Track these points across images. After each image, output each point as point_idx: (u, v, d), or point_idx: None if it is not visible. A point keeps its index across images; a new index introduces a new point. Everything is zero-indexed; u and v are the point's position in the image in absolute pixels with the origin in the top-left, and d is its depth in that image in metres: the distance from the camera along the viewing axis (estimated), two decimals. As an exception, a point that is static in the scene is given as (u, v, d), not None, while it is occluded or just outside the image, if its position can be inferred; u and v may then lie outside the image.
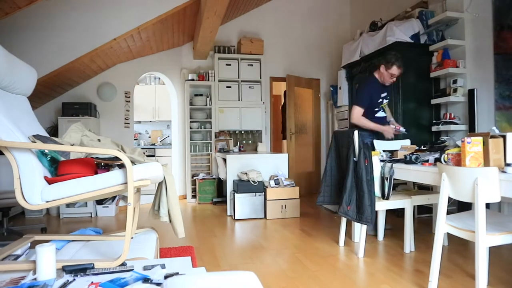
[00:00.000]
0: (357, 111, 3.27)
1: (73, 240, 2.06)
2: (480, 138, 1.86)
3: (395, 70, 3.20)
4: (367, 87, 3.36)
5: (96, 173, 1.79)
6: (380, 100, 3.34)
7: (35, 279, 1.41)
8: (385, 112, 3.39)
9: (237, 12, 5.71)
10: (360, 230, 2.79)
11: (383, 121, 3.37)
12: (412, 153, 2.61)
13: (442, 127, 3.92)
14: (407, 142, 3.57)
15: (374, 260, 2.66)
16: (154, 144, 7.42)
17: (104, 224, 4.06)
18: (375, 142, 3.57)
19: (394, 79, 3.29)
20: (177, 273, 1.41)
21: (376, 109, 3.32)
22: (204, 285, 1.23)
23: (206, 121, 5.66)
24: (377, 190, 2.69)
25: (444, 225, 1.98)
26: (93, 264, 1.52)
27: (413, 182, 3.22)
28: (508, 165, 1.83)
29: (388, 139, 3.34)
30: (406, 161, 2.63)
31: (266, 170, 4.49)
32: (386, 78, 3.26)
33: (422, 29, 4.20)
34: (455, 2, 3.89)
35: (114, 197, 4.62)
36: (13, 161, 1.61)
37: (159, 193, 2.00)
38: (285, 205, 4.19)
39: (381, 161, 2.79)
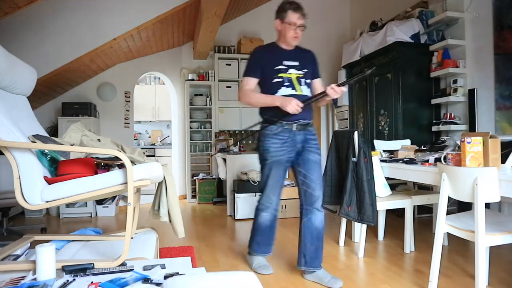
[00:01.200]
0: (243, 83, 2.37)
1: (73, 240, 2.06)
2: (480, 138, 1.86)
3: (291, 16, 2.23)
4: (252, 57, 2.42)
5: (96, 173, 1.79)
6: (284, 68, 2.30)
7: (35, 279, 1.41)
8: (295, 89, 2.29)
9: (237, 12, 5.71)
10: (360, 230, 2.79)
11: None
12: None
13: (442, 127, 3.92)
14: (407, 142, 3.57)
15: (374, 260, 2.66)
16: (154, 144, 7.43)
17: (104, 224, 4.06)
18: (375, 142, 3.57)
19: (298, 31, 2.27)
20: (177, 273, 1.41)
21: (276, 80, 2.29)
22: (204, 285, 1.23)
23: (206, 121, 5.66)
24: (378, 190, 2.69)
25: (444, 225, 1.98)
26: (93, 264, 1.52)
27: (413, 182, 3.22)
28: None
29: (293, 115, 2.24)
30: (406, 161, 2.63)
31: (266, 170, 4.48)
32: (287, 33, 2.27)
33: (422, 29, 4.19)
34: (455, 2, 3.88)
35: (114, 197, 4.62)
36: (13, 161, 1.61)
37: (159, 193, 2.00)
38: (285, 205, 4.19)
39: (381, 161, 2.79)
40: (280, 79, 2.29)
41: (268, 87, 2.32)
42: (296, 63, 2.35)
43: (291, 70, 2.32)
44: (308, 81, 2.38)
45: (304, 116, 2.30)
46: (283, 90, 2.28)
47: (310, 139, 2.38)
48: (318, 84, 2.49)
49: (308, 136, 2.37)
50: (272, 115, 2.30)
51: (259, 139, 2.41)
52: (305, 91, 2.34)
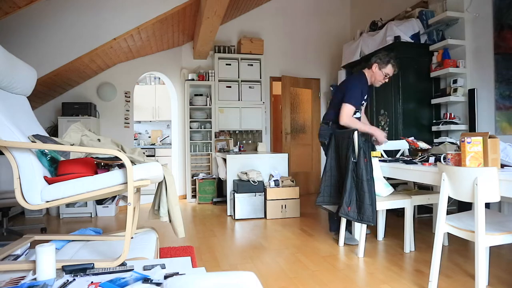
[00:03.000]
0: (349, 109, 2.97)
1: (73, 240, 2.06)
2: (480, 138, 1.86)
3: (389, 69, 2.99)
4: (359, 85, 3.05)
5: (96, 173, 1.79)
6: (363, 102, 3.15)
7: (35, 279, 1.41)
8: (360, 113, 3.19)
9: (237, 12, 5.71)
10: (360, 230, 2.79)
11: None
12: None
13: (442, 127, 3.92)
14: (405, 143, 3.56)
15: (374, 260, 2.66)
16: (154, 144, 7.42)
17: (104, 224, 4.06)
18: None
19: (387, 79, 3.05)
20: (177, 273, 1.41)
21: (356, 110, 3.08)
22: (204, 285, 1.23)
23: (206, 121, 5.66)
24: (378, 190, 2.69)
25: (444, 225, 1.98)
26: (93, 264, 1.52)
27: (413, 182, 3.22)
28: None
29: (377, 145, 3.10)
30: (406, 161, 2.63)
31: (266, 170, 4.49)
32: (378, 77, 3.02)
33: (422, 29, 4.20)
34: (455, 2, 3.89)
35: (114, 197, 4.62)
36: (13, 161, 1.61)
37: (159, 193, 2.00)
38: (285, 205, 4.19)
39: (381, 161, 2.79)
40: None
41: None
42: None
43: (364, 102, 3.19)
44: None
45: None
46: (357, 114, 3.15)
47: None
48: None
49: None
50: None
51: None
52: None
